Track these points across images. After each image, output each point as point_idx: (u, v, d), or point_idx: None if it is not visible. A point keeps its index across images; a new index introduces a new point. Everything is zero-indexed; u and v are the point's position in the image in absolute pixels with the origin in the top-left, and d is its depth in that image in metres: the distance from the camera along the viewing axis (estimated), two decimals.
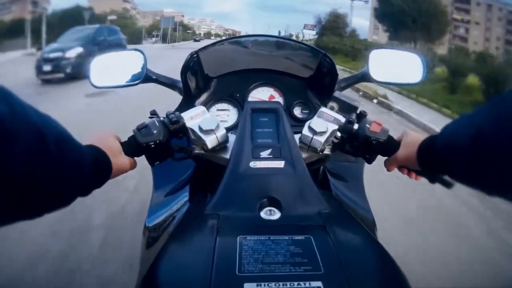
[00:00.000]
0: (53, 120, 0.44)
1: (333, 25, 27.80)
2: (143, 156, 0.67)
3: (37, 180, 0.41)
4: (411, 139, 0.64)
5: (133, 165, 0.65)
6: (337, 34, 25.78)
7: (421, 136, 0.63)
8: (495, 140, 0.44)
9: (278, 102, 0.79)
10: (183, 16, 72.76)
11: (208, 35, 78.79)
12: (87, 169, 0.50)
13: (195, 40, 45.46)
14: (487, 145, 0.45)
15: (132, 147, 0.64)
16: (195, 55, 0.89)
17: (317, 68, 0.96)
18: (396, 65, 0.97)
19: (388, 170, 0.71)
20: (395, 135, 0.70)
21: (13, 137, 0.36)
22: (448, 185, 0.64)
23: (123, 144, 0.64)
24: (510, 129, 0.42)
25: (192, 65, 0.90)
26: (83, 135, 0.56)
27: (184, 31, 59.36)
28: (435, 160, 0.57)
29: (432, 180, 0.66)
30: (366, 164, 0.78)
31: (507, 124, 0.43)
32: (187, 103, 0.89)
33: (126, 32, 22.04)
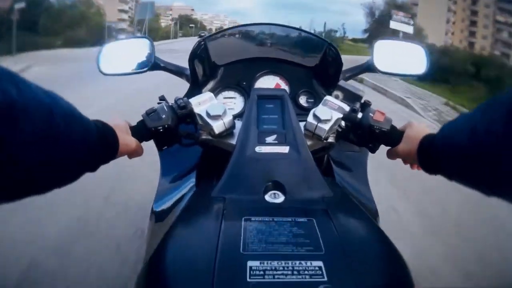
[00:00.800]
0: (60, 97, 0.45)
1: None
2: (151, 143, 0.69)
3: (47, 156, 0.42)
4: (413, 133, 0.65)
5: (140, 149, 0.66)
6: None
7: (424, 130, 0.64)
8: (488, 141, 0.44)
9: (284, 90, 0.81)
10: (192, 10, 70.78)
11: None
12: (94, 144, 0.51)
13: (200, 36, 43.11)
14: (481, 146, 0.45)
15: (141, 131, 0.66)
16: (202, 43, 0.91)
17: (322, 57, 0.97)
18: (401, 56, 0.98)
19: (390, 159, 0.72)
20: (398, 125, 0.71)
21: (23, 116, 0.37)
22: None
23: (132, 128, 0.65)
24: (503, 130, 0.42)
25: (200, 53, 0.91)
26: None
27: (186, 25, 57.24)
28: (433, 160, 0.58)
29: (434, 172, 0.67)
30: (370, 154, 0.80)
31: (499, 126, 0.43)
32: (194, 91, 0.90)
33: (83, 28, 18.01)
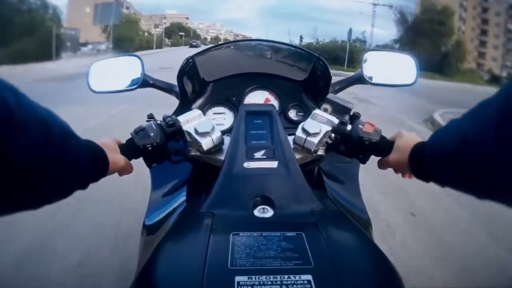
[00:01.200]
0: (56, 115, 0.46)
1: (430, 27, 14.51)
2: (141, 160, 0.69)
3: (41, 170, 0.42)
4: (404, 142, 0.65)
5: (129, 167, 0.66)
6: (437, 42, 13.88)
7: (414, 139, 0.64)
8: (480, 146, 0.44)
9: (272, 105, 0.81)
10: (187, 18, 66.69)
11: (216, 40, 70.48)
12: (86, 162, 0.52)
13: (192, 46, 39.45)
14: (472, 151, 0.45)
15: (130, 149, 0.66)
16: (190, 60, 0.91)
17: (311, 71, 0.97)
18: (391, 67, 0.99)
19: (381, 169, 0.72)
20: (388, 135, 0.71)
21: (20, 127, 0.38)
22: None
23: (121, 146, 0.65)
24: (495, 134, 0.42)
25: (188, 70, 0.91)
26: None
27: (174, 34, 51.62)
28: (425, 167, 0.57)
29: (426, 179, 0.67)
30: (361, 165, 0.79)
31: (491, 130, 0.42)
32: (183, 107, 0.90)
33: (34, 38, 14.09)
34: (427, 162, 0.56)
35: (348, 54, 18.88)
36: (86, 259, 1.69)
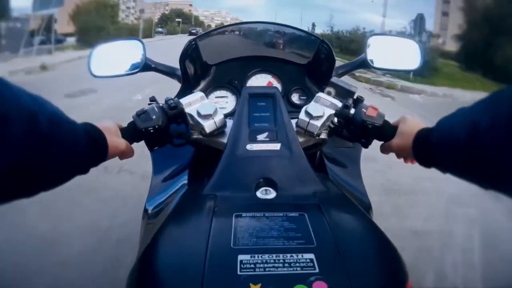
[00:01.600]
0: (45, 101, 0.45)
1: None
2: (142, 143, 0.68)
3: (33, 162, 0.42)
4: (408, 127, 0.64)
5: (130, 150, 0.66)
6: None
7: (418, 125, 0.63)
8: (491, 136, 0.43)
9: (275, 87, 0.80)
10: (190, 5, 62.18)
11: None
12: (83, 146, 0.51)
13: (191, 33, 32.96)
14: (482, 141, 0.45)
15: (131, 132, 0.66)
16: (193, 43, 0.90)
17: (314, 55, 0.96)
18: (395, 51, 0.98)
19: (383, 153, 0.72)
20: (392, 120, 0.71)
21: (3, 121, 0.37)
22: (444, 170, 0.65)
23: (122, 130, 0.65)
24: (506, 125, 0.42)
25: (191, 53, 0.90)
26: None
27: (171, 21, 46.99)
28: (429, 154, 0.57)
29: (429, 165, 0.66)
30: (363, 149, 0.79)
31: (503, 120, 0.42)
32: (186, 91, 0.90)
33: None
34: (432, 149, 0.56)
35: None
36: None
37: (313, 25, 30.53)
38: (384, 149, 0.70)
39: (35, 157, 0.42)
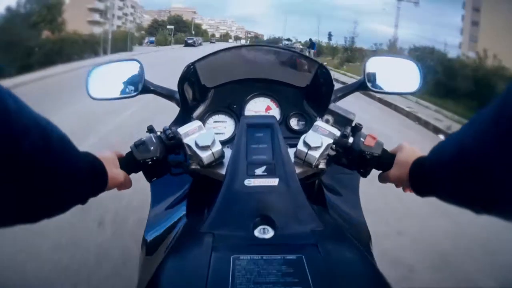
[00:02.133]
0: (54, 124, 0.45)
1: None
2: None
3: (41, 177, 0.42)
4: (404, 157, 0.65)
5: (128, 181, 0.66)
6: None
7: (414, 153, 0.63)
8: (478, 156, 0.44)
9: (273, 117, 0.80)
10: (194, 12, 59.89)
11: (225, 37, 65.92)
12: (84, 174, 0.51)
13: (187, 44, 30.65)
14: (471, 162, 0.45)
15: (129, 163, 0.66)
16: (191, 66, 0.90)
17: (313, 78, 0.96)
18: (394, 72, 0.97)
19: (382, 183, 0.72)
20: (390, 147, 0.71)
21: (22, 131, 0.38)
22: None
23: (120, 160, 0.65)
24: (492, 144, 0.42)
25: (189, 76, 0.90)
26: None
27: (163, 29, 38.97)
28: (425, 183, 0.57)
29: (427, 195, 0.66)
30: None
31: (488, 139, 0.42)
32: (184, 115, 0.90)
33: None
34: (426, 178, 0.56)
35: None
36: None
37: (330, 34, 28.49)
38: (383, 179, 0.71)
39: (46, 173, 0.42)
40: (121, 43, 19.23)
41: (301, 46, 27.34)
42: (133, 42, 22.71)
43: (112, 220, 2.15)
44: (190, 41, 31.99)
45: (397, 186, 0.70)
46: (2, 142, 0.36)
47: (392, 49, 16.09)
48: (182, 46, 29.78)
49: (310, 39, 22.78)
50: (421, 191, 0.60)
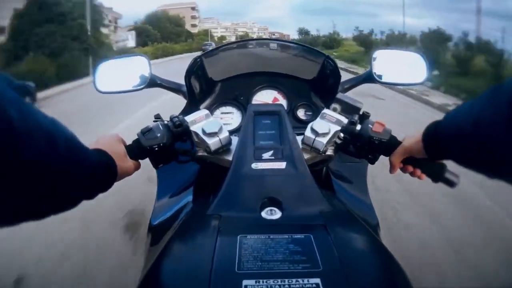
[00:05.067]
0: (62, 125, 0.45)
1: None
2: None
3: (46, 182, 0.42)
4: (414, 133, 0.64)
5: (138, 167, 0.66)
6: None
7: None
8: (494, 128, 0.45)
9: (280, 105, 0.80)
10: (193, 9, 43.77)
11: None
12: (94, 173, 0.51)
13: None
14: (487, 133, 0.47)
15: (136, 150, 0.66)
16: (198, 60, 0.90)
17: (320, 70, 0.96)
18: (400, 65, 0.98)
19: (392, 166, 0.68)
20: (398, 135, 0.70)
21: (23, 138, 0.37)
22: (451, 184, 0.65)
23: (127, 147, 0.65)
24: (506, 117, 0.43)
25: (196, 70, 0.91)
26: None
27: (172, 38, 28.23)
28: (439, 145, 0.58)
29: (436, 179, 0.65)
30: (369, 165, 0.78)
31: (505, 112, 0.44)
32: (191, 107, 0.90)
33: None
34: (441, 141, 0.57)
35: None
36: None
37: (357, 28, 26.70)
38: (394, 157, 0.68)
39: (50, 178, 0.42)
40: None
41: None
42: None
43: None
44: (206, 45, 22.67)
45: (406, 169, 0.68)
46: (4, 152, 0.35)
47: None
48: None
49: None
50: (435, 154, 0.61)
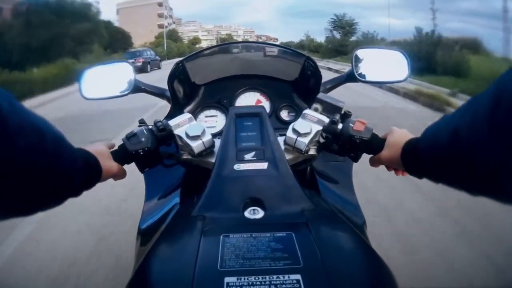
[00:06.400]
0: (50, 123, 0.46)
1: None
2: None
3: (35, 175, 0.43)
4: (395, 138, 0.65)
5: (122, 172, 0.67)
6: None
7: (405, 135, 0.63)
8: (471, 140, 0.44)
9: (261, 107, 0.81)
10: (160, 5, 36.54)
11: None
12: (79, 170, 0.52)
13: None
14: (463, 145, 0.45)
15: (122, 154, 0.67)
16: (180, 64, 0.91)
17: (301, 71, 0.98)
18: (382, 63, 0.99)
19: (373, 166, 0.72)
20: (380, 133, 0.71)
21: (16, 131, 0.39)
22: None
23: (113, 152, 0.66)
24: (486, 130, 0.41)
25: (178, 74, 0.91)
26: None
27: None
28: (418, 163, 0.57)
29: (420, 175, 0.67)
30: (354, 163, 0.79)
31: (482, 123, 0.42)
32: (175, 111, 0.91)
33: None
34: (420, 158, 0.56)
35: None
36: None
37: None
38: (374, 162, 0.70)
39: (39, 172, 0.43)
40: None
41: None
42: None
43: None
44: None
45: (388, 169, 0.70)
46: None
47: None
48: None
49: None
50: (414, 172, 0.60)
